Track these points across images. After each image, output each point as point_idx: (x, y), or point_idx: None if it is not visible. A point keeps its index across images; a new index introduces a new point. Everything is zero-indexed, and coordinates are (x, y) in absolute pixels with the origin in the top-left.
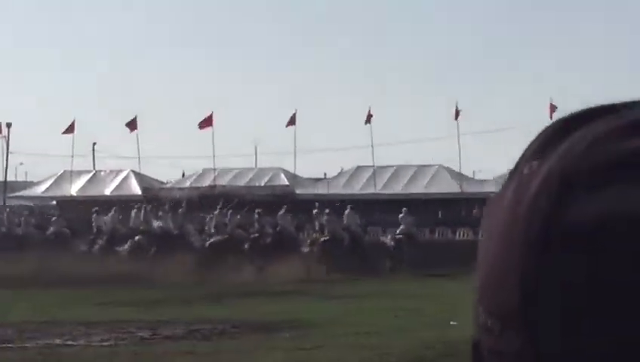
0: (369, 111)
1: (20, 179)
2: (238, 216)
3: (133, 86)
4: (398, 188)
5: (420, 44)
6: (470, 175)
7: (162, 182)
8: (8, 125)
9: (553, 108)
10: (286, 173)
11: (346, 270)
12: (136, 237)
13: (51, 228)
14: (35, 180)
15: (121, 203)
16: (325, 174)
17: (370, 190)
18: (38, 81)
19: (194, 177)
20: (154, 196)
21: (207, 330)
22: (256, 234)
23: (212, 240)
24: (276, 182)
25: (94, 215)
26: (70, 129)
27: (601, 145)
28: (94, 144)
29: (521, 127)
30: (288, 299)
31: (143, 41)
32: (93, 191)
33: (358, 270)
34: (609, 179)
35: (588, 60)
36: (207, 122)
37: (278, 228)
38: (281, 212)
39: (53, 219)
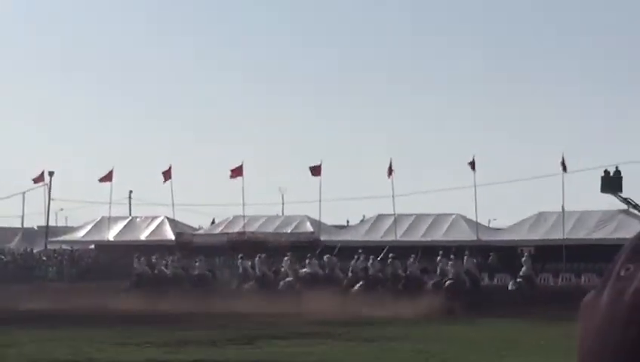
0: (390, 164)
1: (61, 224)
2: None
3: (167, 136)
4: (417, 236)
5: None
6: (485, 223)
7: (194, 228)
8: (50, 173)
9: (564, 163)
10: (311, 220)
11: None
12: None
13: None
14: (74, 225)
15: (156, 247)
16: (348, 222)
17: (391, 237)
18: (77, 130)
19: (224, 224)
20: (187, 241)
21: None
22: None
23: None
24: (302, 229)
25: (240, 260)
26: (108, 177)
27: None
28: (131, 192)
29: (533, 179)
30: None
31: (170, 96)
32: (129, 236)
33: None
34: None
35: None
36: (237, 171)
37: (407, 272)
38: (410, 260)
39: (197, 262)
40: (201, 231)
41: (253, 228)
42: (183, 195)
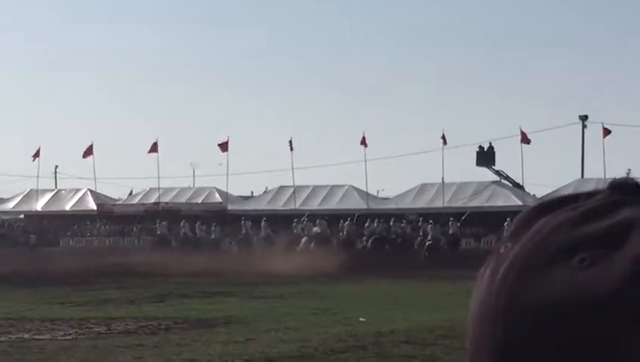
0: (290, 140)
1: None
2: None
3: (90, 117)
4: (314, 205)
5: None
6: (374, 193)
7: (114, 199)
8: None
9: (444, 138)
10: (219, 191)
11: None
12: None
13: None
14: (4, 197)
15: (80, 217)
16: (252, 193)
17: (291, 206)
18: (5, 109)
19: (141, 195)
20: (107, 211)
21: (153, 326)
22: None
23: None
24: (211, 200)
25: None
26: (36, 154)
27: (558, 232)
28: (56, 166)
29: (417, 153)
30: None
31: (96, 76)
32: (55, 207)
33: None
34: (562, 262)
35: (477, 94)
36: (153, 147)
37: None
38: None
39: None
40: (119, 202)
41: (167, 198)
42: (104, 169)
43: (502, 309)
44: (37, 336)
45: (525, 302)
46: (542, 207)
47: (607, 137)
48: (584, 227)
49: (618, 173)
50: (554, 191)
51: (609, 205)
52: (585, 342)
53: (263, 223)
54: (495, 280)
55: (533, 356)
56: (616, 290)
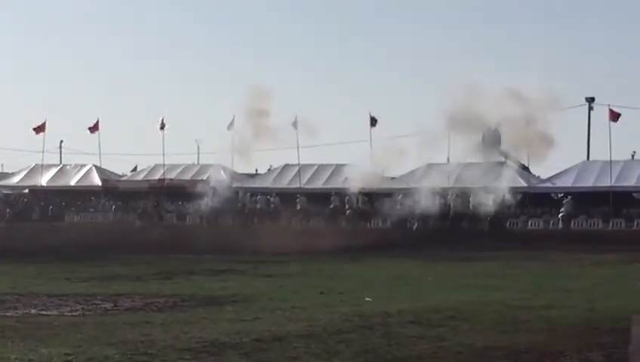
0: (295, 119)
1: None
2: None
3: (96, 92)
4: (319, 183)
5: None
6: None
7: (119, 175)
8: None
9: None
10: (224, 168)
11: None
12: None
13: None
14: (10, 172)
15: (85, 192)
16: (257, 170)
17: (296, 184)
18: (10, 83)
19: (146, 171)
20: (112, 187)
21: (160, 303)
22: None
23: None
24: (216, 177)
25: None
26: (41, 128)
27: None
28: (61, 141)
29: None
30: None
31: (104, 50)
32: (60, 182)
33: None
34: None
35: None
36: (160, 124)
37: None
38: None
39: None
40: (124, 178)
41: (172, 175)
42: (109, 145)
43: None
44: (44, 312)
45: None
46: None
47: (612, 119)
48: None
49: (624, 156)
50: (559, 173)
51: None
52: None
53: (299, 199)
54: None
55: None
56: None
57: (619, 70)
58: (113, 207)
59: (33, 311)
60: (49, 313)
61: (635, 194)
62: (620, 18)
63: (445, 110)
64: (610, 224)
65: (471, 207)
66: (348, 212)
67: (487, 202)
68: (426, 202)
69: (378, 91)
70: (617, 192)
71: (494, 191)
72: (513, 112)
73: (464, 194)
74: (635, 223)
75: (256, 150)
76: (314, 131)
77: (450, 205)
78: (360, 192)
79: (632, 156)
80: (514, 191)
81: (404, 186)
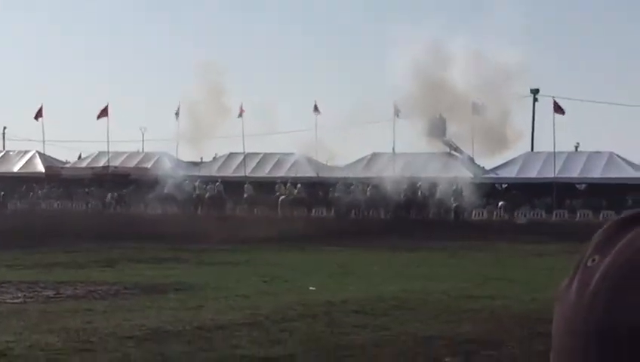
0: (241, 106)
1: None
2: None
3: (40, 78)
4: (264, 173)
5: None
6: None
7: (63, 162)
8: None
9: (397, 109)
10: (169, 156)
11: None
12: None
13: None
14: None
15: (28, 178)
16: (202, 159)
17: (241, 173)
18: None
19: (90, 158)
20: (55, 173)
21: (102, 291)
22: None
23: None
24: (160, 165)
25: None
26: None
27: None
28: (5, 128)
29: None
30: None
31: (48, 42)
32: (2, 169)
33: None
34: None
35: None
36: (103, 112)
37: None
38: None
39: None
40: (68, 165)
41: (116, 163)
42: (54, 132)
43: (597, 322)
44: None
45: (623, 316)
46: (624, 220)
47: (557, 111)
48: None
49: (567, 147)
50: (504, 164)
51: None
52: None
53: (246, 186)
54: (586, 293)
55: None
56: None
57: (564, 62)
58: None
59: None
60: None
61: (578, 186)
62: (570, 8)
63: (393, 99)
64: (554, 215)
65: (420, 195)
66: (283, 199)
67: (439, 192)
68: (374, 191)
69: (325, 80)
70: (561, 183)
71: (443, 181)
72: (458, 102)
73: (412, 184)
74: (578, 214)
75: (205, 138)
76: (261, 120)
77: (401, 194)
78: (298, 182)
79: (576, 148)
80: (460, 181)
81: (350, 175)
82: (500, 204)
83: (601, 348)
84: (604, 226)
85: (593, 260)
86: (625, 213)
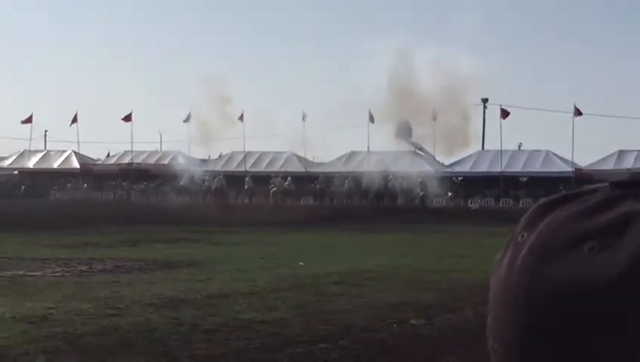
0: (242, 112)
1: None
2: None
3: (75, 90)
4: (261, 168)
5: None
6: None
7: (94, 160)
8: None
9: (371, 116)
10: (182, 155)
11: None
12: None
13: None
14: (1, 156)
15: (65, 173)
16: (209, 156)
17: (242, 168)
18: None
19: (117, 156)
20: (88, 170)
21: (127, 267)
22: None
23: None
24: (176, 162)
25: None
26: (29, 119)
27: (569, 223)
28: (46, 131)
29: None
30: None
31: (82, 57)
32: (45, 165)
33: None
34: (574, 250)
35: None
36: (128, 117)
37: None
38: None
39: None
40: (99, 162)
41: (139, 160)
42: (87, 134)
43: (523, 290)
44: (30, 273)
45: (544, 285)
46: (552, 201)
47: (503, 116)
48: (592, 219)
49: (511, 146)
50: (460, 161)
51: (612, 199)
52: (598, 318)
53: (246, 180)
54: (515, 265)
55: (554, 331)
56: (619, 277)
57: (509, 73)
58: (85, 185)
59: (21, 272)
60: (34, 274)
61: (521, 178)
62: (512, 22)
63: (368, 107)
64: (501, 202)
65: (390, 187)
66: (274, 190)
67: (407, 184)
68: (352, 183)
69: (311, 89)
70: (507, 176)
71: (410, 175)
72: (422, 109)
73: (384, 177)
74: (521, 202)
75: (215, 139)
76: (259, 123)
77: (375, 186)
78: (289, 176)
79: (519, 147)
80: (424, 175)
81: (333, 170)
82: (449, 193)
83: (527, 317)
84: (532, 207)
85: (522, 236)
86: (549, 197)
